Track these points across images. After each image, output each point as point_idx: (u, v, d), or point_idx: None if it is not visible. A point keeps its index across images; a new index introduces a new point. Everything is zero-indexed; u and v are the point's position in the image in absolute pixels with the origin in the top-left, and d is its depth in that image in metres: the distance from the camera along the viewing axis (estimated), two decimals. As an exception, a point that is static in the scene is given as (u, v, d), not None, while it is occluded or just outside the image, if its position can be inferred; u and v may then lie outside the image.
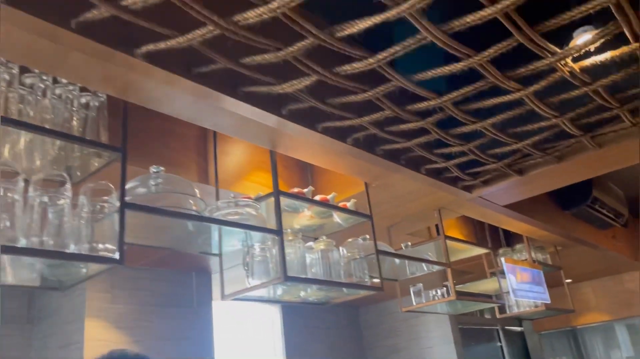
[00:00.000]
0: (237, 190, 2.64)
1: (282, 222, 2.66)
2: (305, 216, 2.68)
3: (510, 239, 4.76)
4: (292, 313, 5.42)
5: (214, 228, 2.12)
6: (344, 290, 2.63)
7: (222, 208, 2.13)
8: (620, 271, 6.39)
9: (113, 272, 3.51)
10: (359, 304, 6.28)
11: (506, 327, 6.68)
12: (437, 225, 3.78)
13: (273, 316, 5.42)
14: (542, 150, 2.59)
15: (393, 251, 2.95)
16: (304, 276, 2.28)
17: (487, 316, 6.54)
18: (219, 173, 2.62)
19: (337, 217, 2.78)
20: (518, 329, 6.96)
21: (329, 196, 2.63)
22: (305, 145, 2.28)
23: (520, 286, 3.70)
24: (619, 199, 4.77)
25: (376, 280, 2.71)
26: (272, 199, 2.30)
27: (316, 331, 5.64)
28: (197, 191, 2.03)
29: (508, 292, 3.68)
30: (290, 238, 2.35)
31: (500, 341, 6.52)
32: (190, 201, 2.00)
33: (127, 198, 1.76)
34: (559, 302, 4.73)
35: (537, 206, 4.03)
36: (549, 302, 3.99)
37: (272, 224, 2.53)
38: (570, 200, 4.21)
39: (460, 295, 3.49)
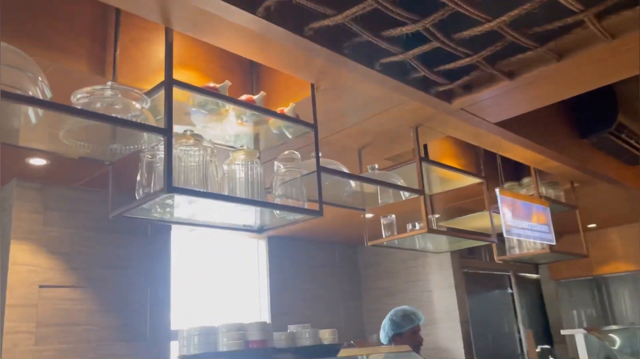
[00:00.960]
0: (147, 89, 2.14)
1: (207, 131, 2.19)
2: (230, 122, 2.17)
3: (522, 173, 4.14)
4: (279, 247, 5.03)
5: (77, 123, 1.64)
6: (276, 212, 2.15)
7: (83, 97, 1.64)
8: (652, 216, 5.68)
9: (45, 191, 3.13)
10: (356, 243, 5.83)
11: (519, 274, 6.14)
12: (425, 147, 3.23)
13: (258, 248, 5.05)
14: (533, 39, 1.97)
15: (344, 170, 2.42)
16: (201, 189, 1.79)
17: (499, 261, 6.00)
18: (127, 67, 2.12)
19: (278, 127, 2.26)
20: (533, 276, 6.42)
21: (255, 96, 2.10)
22: (204, 17, 1.74)
23: (516, 223, 3.14)
24: (652, 129, 4.05)
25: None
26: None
27: (306, 268, 5.25)
28: (41, 78, 1.54)
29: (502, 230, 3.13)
30: (191, 141, 1.85)
31: (511, 288, 6.00)
32: (31, 85, 1.51)
33: None
34: (574, 247, 4.15)
35: (548, 130, 3.39)
36: (553, 243, 3.42)
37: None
38: (589, 125, 3.54)
39: (442, 229, 2.98)
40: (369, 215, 3.54)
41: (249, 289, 4.90)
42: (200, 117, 2.08)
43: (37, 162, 2.83)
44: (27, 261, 2.96)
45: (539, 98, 2.54)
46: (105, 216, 3.33)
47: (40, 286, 2.97)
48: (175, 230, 3.92)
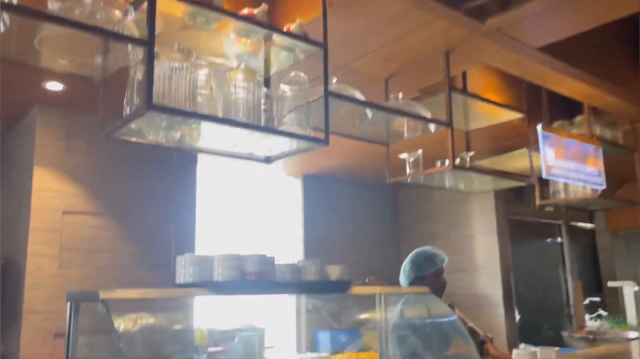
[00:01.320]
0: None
1: (206, 49, 2.04)
2: (232, 40, 2.00)
3: (575, 111, 3.76)
4: (314, 186, 4.93)
5: (51, 30, 1.53)
6: (283, 140, 2.00)
7: (59, 3, 1.51)
8: None
9: (69, 118, 3.11)
10: (396, 186, 5.63)
11: (571, 223, 5.78)
12: (463, 77, 2.94)
13: (294, 187, 4.96)
14: (577, -63, 1.65)
15: (359, 97, 2.20)
16: (188, 109, 1.65)
17: (549, 208, 5.65)
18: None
19: (288, 48, 2.07)
20: (587, 226, 6.03)
21: (256, 10, 1.91)
22: None
23: (559, 164, 2.85)
24: None
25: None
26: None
27: (342, 208, 5.14)
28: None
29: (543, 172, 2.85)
30: (179, 57, 1.71)
31: (561, 237, 5.67)
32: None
33: None
34: (637, 195, 3.76)
35: (605, 60, 3.02)
36: (602, 187, 3.11)
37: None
38: (655, 55, 3.11)
39: (475, 167, 2.75)
40: (403, 155, 3.34)
41: (283, 228, 4.86)
42: (197, 34, 1.92)
43: (54, 86, 2.80)
44: (50, 187, 2.99)
45: (589, 17, 2.20)
46: (130, 145, 3.31)
47: (64, 213, 3.01)
48: (206, 162, 3.87)
